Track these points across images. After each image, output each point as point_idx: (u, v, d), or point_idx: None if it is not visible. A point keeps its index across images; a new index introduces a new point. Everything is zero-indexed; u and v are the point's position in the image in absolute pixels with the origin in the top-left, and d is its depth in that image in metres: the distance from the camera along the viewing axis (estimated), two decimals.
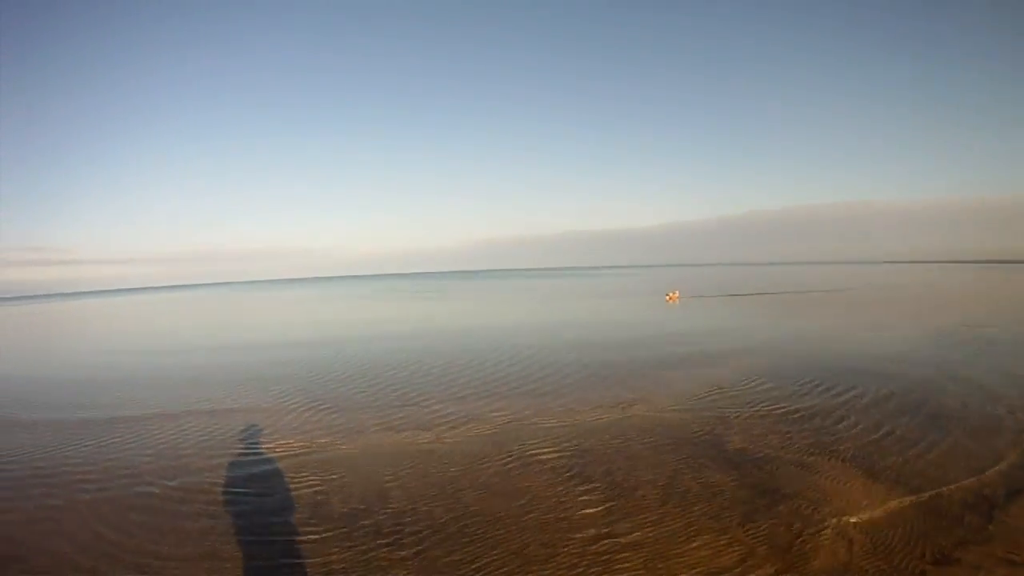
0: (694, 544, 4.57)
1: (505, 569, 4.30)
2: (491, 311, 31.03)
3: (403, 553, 4.60)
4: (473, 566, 4.35)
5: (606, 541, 4.66)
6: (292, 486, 6.10)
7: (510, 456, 6.79)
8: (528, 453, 6.86)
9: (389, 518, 5.23)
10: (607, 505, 5.35)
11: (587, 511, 5.22)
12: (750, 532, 4.75)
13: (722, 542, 4.59)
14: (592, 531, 4.83)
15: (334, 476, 6.33)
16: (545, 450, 6.94)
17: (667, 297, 34.19)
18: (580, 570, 4.24)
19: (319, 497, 5.76)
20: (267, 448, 7.47)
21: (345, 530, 5.02)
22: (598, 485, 5.81)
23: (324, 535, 4.94)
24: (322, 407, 9.56)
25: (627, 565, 4.30)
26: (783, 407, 8.59)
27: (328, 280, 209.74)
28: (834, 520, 4.87)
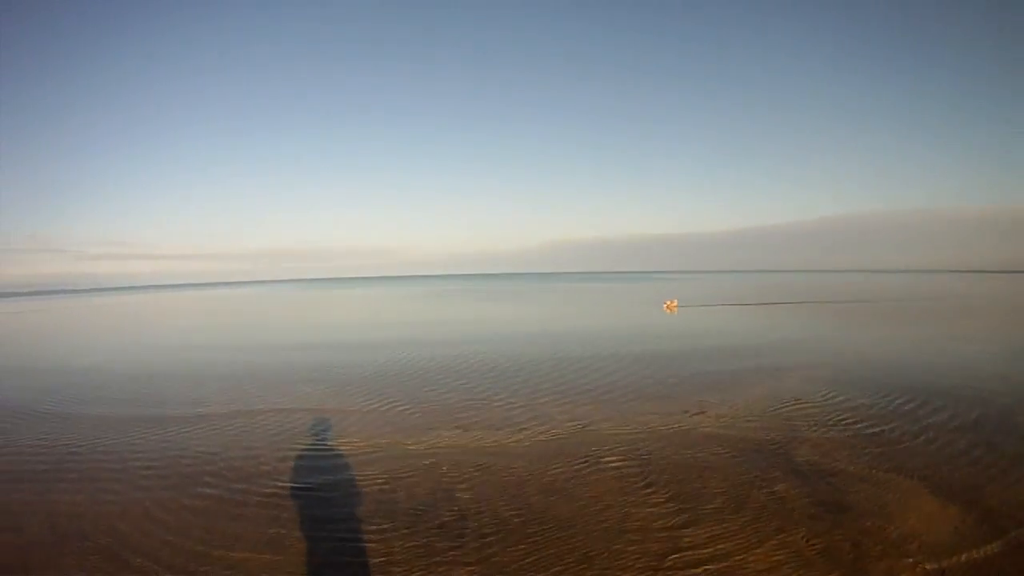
0: (757, 554, 4.49)
1: (568, 572, 4.33)
2: (561, 314, 30.88)
3: (465, 550, 4.70)
4: (535, 567, 4.40)
5: (670, 549, 4.63)
6: (358, 483, 6.29)
7: (577, 460, 6.81)
8: (595, 457, 6.86)
9: (453, 516, 5.34)
10: (671, 511, 5.31)
11: (652, 518, 5.19)
12: (813, 546, 4.66)
13: (785, 554, 4.49)
14: (656, 538, 4.81)
15: (400, 474, 6.49)
16: (612, 455, 6.93)
17: (665, 306, 32.92)
18: None
19: (384, 494, 5.92)
20: (334, 446, 7.71)
21: (409, 526, 5.16)
22: (665, 492, 5.77)
23: (387, 529, 5.09)
24: (391, 407, 9.80)
25: (690, 573, 4.28)
26: (854, 420, 8.27)
27: (405, 279, 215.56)
28: (899, 541, 4.67)
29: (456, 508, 5.53)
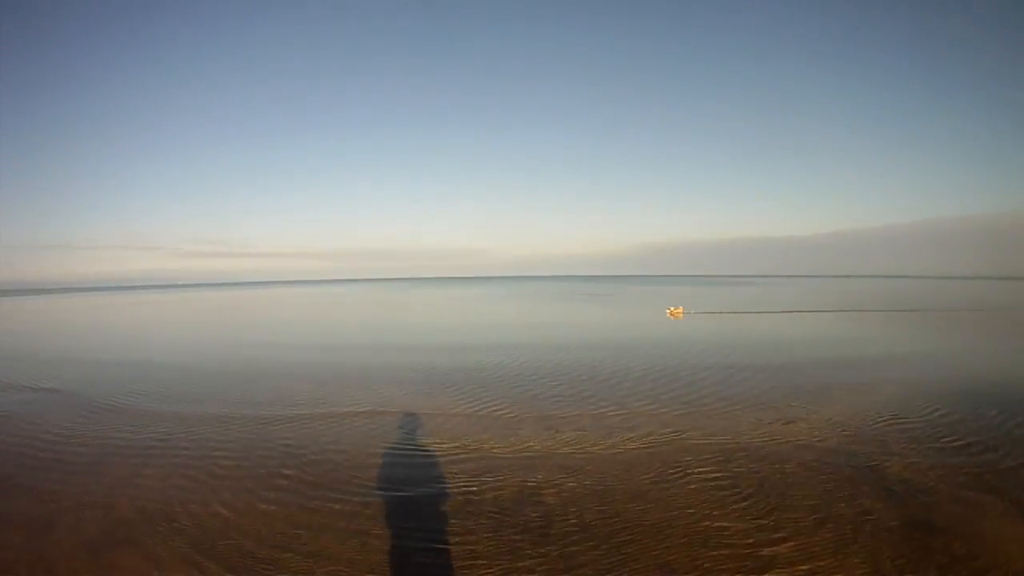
0: (840, 572, 4.50)
1: None
2: (649, 321, 29.86)
3: (547, 548, 4.95)
4: (616, 572, 4.58)
5: (752, 561, 4.69)
6: (444, 483, 6.59)
7: (664, 467, 6.93)
8: (682, 465, 6.97)
9: (538, 516, 5.60)
10: (757, 523, 5.35)
11: (737, 529, 5.25)
12: (899, 567, 4.63)
13: (868, 573, 4.49)
14: (739, 550, 4.87)
15: (487, 476, 6.76)
16: (700, 463, 7.02)
17: (668, 312, 32.08)
18: None
19: (471, 495, 6.20)
20: (421, 447, 8.02)
21: (494, 526, 5.44)
22: (751, 504, 5.81)
23: (472, 528, 5.38)
24: (480, 408, 10.13)
25: None
26: (950, 438, 7.96)
27: (492, 280, 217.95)
28: (989, 569, 4.51)
29: (542, 510, 5.78)
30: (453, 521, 5.58)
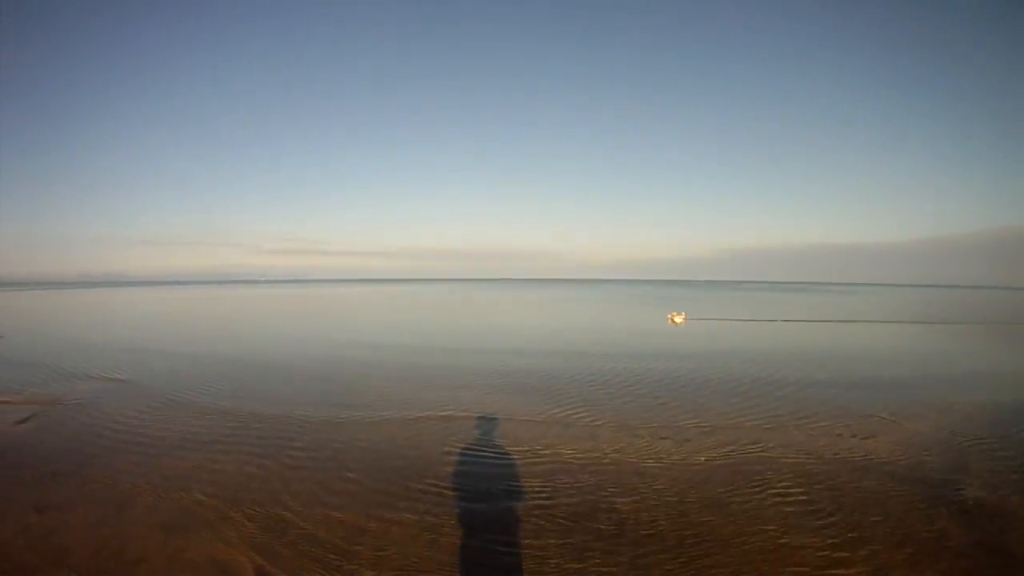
0: None
1: None
2: (727, 330, 28.06)
3: (619, 556, 5.03)
4: None
5: None
6: (516, 485, 6.67)
7: (739, 478, 6.88)
8: (757, 477, 6.90)
9: (611, 523, 5.69)
10: (831, 542, 5.29)
11: (808, 546, 5.22)
12: None
13: None
14: (809, 568, 4.85)
15: (561, 480, 6.82)
16: (775, 476, 6.94)
17: (669, 318, 31.35)
18: None
19: (543, 498, 6.27)
20: (496, 451, 8.02)
21: (565, 530, 5.54)
22: (825, 520, 5.74)
23: (543, 531, 5.50)
24: (556, 415, 10.06)
25: None
26: None
27: (569, 283, 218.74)
28: None
29: (614, 516, 5.87)
30: (524, 523, 5.70)
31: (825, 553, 5.09)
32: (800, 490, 6.50)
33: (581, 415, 10.00)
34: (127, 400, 11.33)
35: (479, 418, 9.80)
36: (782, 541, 5.31)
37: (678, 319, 31.39)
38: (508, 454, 7.86)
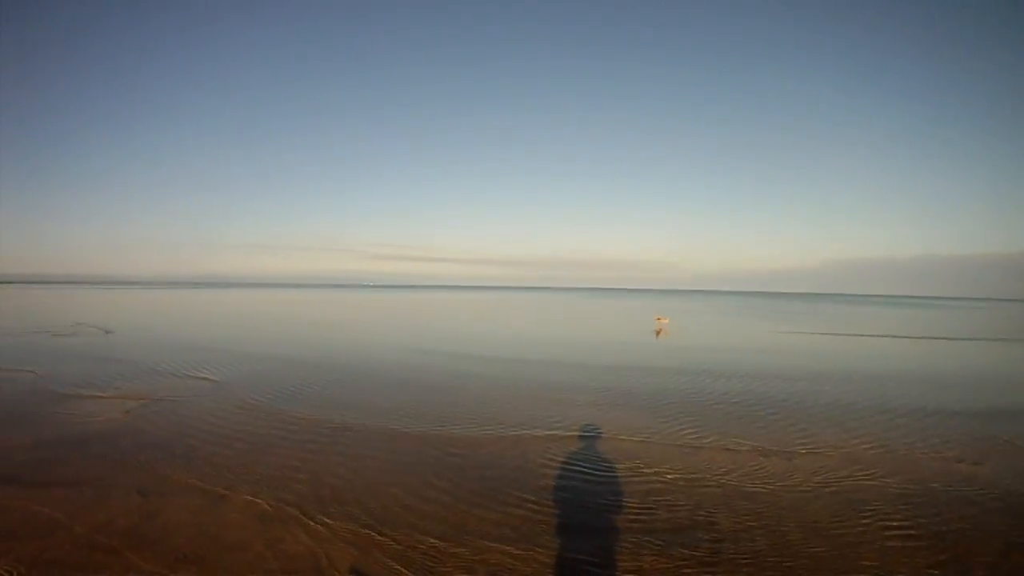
0: None
1: None
2: (838, 348, 26.06)
3: (715, 572, 4.86)
4: None
5: None
6: (617, 500, 6.52)
7: (842, 503, 6.56)
8: (861, 503, 6.56)
9: (709, 539, 5.50)
10: (930, 572, 4.97)
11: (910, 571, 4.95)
12: None
13: None
14: None
15: (661, 497, 6.65)
16: (878, 501, 6.62)
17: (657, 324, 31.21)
18: None
19: (642, 514, 6.12)
20: (597, 465, 7.86)
21: (663, 545, 5.38)
22: (926, 549, 5.40)
23: (641, 545, 5.36)
24: (659, 433, 9.75)
25: None
26: None
27: (681, 294, 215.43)
28: None
29: (713, 534, 5.66)
30: (622, 537, 5.59)
31: None
32: (902, 517, 6.12)
33: (684, 433, 9.66)
34: (225, 398, 11.79)
35: (581, 434, 9.51)
36: (881, 565, 5.02)
37: (663, 323, 31.69)
38: (611, 468, 7.71)
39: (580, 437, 9.34)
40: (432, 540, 5.43)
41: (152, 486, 6.66)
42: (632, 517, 6.05)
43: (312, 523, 5.77)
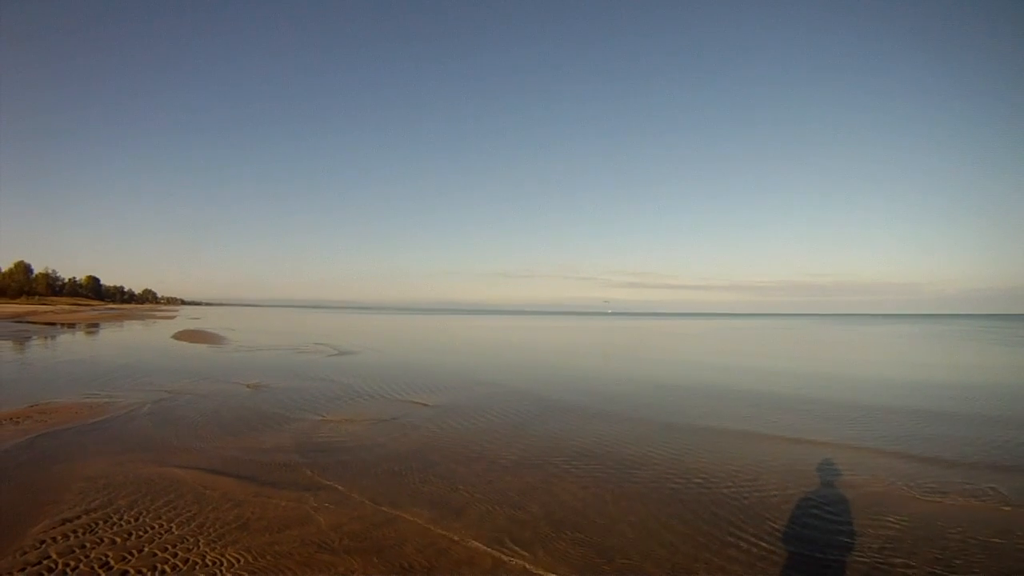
0: None
1: None
2: None
3: None
4: None
5: None
6: (845, 516, 6.09)
7: None
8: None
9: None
10: None
11: None
12: None
13: None
14: None
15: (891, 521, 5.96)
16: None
17: None
18: None
19: (869, 529, 5.66)
20: (839, 482, 7.49)
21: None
22: None
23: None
24: (910, 451, 9.11)
25: None
26: None
27: (925, 318, 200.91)
28: None
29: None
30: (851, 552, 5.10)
31: None
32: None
33: (926, 455, 8.68)
34: (468, 414, 12.02)
35: (829, 449, 8.97)
36: None
37: None
38: (845, 488, 7.11)
39: (829, 454, 8.59)
40: (665, 571, 4.93)
41: (388, 496, 6.86)
42: (857, 539, 5.45)
43: (549, 546, 5.55)
